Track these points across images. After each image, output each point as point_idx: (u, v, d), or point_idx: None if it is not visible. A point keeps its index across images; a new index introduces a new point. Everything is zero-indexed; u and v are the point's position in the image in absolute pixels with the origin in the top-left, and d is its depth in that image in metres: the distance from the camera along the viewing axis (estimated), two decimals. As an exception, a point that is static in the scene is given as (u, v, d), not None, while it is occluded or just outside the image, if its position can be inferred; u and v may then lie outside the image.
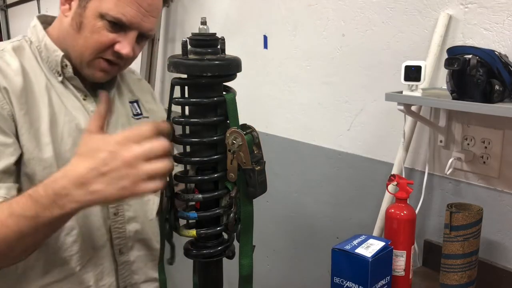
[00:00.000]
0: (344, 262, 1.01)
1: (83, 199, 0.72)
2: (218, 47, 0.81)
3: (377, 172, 1.49)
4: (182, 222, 0.87)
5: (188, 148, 0.84)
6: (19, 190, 0.93)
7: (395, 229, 1.14)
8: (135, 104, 1.16)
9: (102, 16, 0.95)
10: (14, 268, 0.98)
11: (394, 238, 1.12)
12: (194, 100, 0.82)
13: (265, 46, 1.81)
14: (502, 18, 1.16)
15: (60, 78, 1.02)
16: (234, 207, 0.82)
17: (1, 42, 1.04)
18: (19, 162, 0.95)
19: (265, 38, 1.80)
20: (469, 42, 1.23)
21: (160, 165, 0.71)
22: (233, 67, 0.80)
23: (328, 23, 1.57)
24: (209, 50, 0.79)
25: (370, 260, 0.98)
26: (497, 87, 1.04)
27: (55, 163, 0.96)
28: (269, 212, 1.88)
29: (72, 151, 0.99)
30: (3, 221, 0.77)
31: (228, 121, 0.81)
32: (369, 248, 1.02)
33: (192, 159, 0.83)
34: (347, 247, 1.02)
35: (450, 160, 1.26)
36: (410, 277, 1.16)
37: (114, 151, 0.71)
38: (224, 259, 0.88)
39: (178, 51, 0.81)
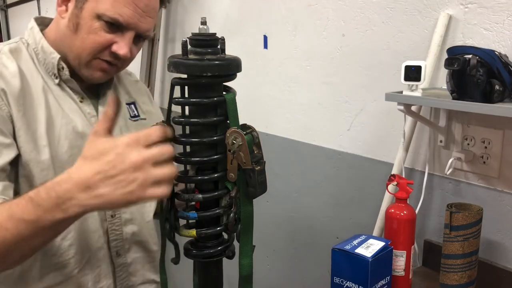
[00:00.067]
0: (344, 262, 1.01)
1: (87, 203, 0.70)
2: (218, 47, 0.81)
3: (377, 172, 1.49)
4: (182, 222, 0.87)
5: (188, 148, 0.84)
6: (17, 193, 0.93)
7: (395, 229, 1.14)
8: (132, 106, 1.16)
9: (99, 17, 0.95)
10: (11, 273, 0.97)
11: (394, 238, 1.12)
12: (194, 100, 0.82)
13: (265, 46, 1.81)
14: (502, 18, 1.16)
15: (57, 81, 1.01)
16: (234, 207, 0.82)
17: None
18: (16, 163, 0.94)
19: (265, 38, 1.80)
20: (469, 42, 1.23)
21: (167, 170, 0.70)
22: (233, 67, 0.80)
23: (328, 23, 1.57)
24: (209, 50, 0.79)
25: (370, 260, 0.98)
26: (497, 87, 1.04)
27: (52, 166, 0.96)
28: (269, 212, 1.88)
29: (68, 153, 0.99)
30: (2, 223, 0.75)
31: (228, 121, 0.81)
32: (369, 248, 1.02)
33: (192, 159, 0.83)
34: (347, 247, 1.02)
35: (450, 160, 1.26)
36: (410, 277, 1.16)
37: (122, 153, 0.69)
38: (224, 259, 0.88)
39: (178, 51, 0.81)
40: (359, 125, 1.54)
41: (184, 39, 0.79)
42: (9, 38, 4.07)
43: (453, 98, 1.10)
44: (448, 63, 1.07)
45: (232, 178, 0.81)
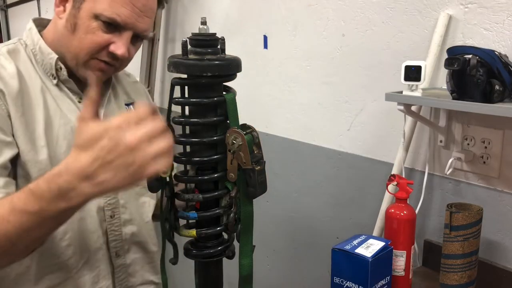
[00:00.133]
0: (344, 262, 1.01)
1: (90, 191, 0.69)
2: (218, 47, 0.81)
3: (377, 172, 1.49)
4: (182, 222, 0.87)
5: (188, 148, 0.84)
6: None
7: (395, 229, 1.14)
8: (131, 106, 1.16)
9: (96, 17, 0.95)
10: (6, 275, 0.97)
11: (394, 238, 1.12)
12: (194, 100, 0.82)
13: (265, 46, 1.81)
14: (502, 18, 1.16)
15: (55, 81, 1.01)
16: (234, 207, 0.82)
17: None
18: (15, 163, 0.94)
19: (265, 38, 1.80)
20: (469, 42, 1.23)
21: (163, 143, 0.68)
22: (233, 67, 0.80)
23: (328, 23, 1.57)
24: (209, 50, 0.79)
25: (370, 260, 0.98)
26: (497, 87, 1.04)
27: (50, 166, 0.96)
28: (269, 212, 1.88)
29: (67, 153, 0.97)
30: (5, 216, 0.74)
31: (228, 121, 0.81)
32: (369, 248, 1.02)
33: (192, 159, 0.83)
34: (347, 247, 1.02)
35: (450, 160, 1.26)
36: (410, 277, 1.16)
37: (115, 136, 0.67)
38: (224, 259, 0.88)
39: (178, 51, 0.81)
40: (359, 125, 1.54)
41: (184, 39, 0.79)
42: (9, 38, 4.07)
43: (453, 98, 1.10)
44: (448, 63, 1.07)
45: (232, 178, 0.81)
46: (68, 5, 0.98)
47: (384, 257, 1.04)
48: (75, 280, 1.03)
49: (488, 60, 1.05)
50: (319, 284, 1.74)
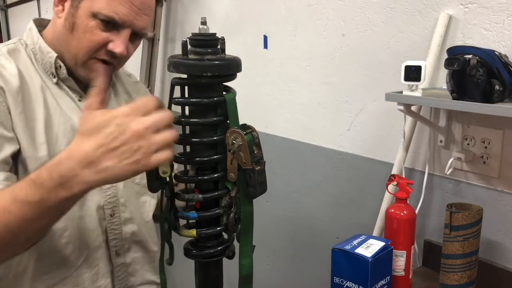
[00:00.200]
0: (344, 262, 1.01)
1: (92, 178, 0.69)
2: (218, 47, 0.80)
3: (377, 172, 1.49)
4: (182, 222, 0.87)
5: (188, 148, 0.84)
6: None
7: (395, 229, 1.14)
8: None
9: (94, 15, 0.95)
10: (5, 275, 0.97)
11: (394, 238, 1.12)
12: (194, 100, 0.81)
13: (265, 46, 1.81)
14: (502, 18, 1.16)
15: (55, 80, 1.02)
16: (234, 207, 0.82)
17: None
18: (16, 160, 0.95)
19: (265, 38, 1.80)
20: (469, 42, 1.23)
21: (169, 134, 0.69)
22: (233, 67, 0.80)
23: (328, 23, 1.57)
24: (209, 50, 0.79)
25: (370, 260, 0.98)
26: (497, 87, 1.04)
27: None
28: (269, 212, 1.88)
29: None
30: (6, 207, 0.74)
31: (228, 121, 0.81)
32: (369, 248, 1.02)
33: (192, 159, 0.83)
34: (347, 247, 1.02)
35: (450, 160, 1.26)
36: (410, 277, 1.16)
37: (123, 123, 0.67)
38: (224, 259, 0.88)
39: (178, 51, 0.81)
40: (359, 125, 1.54)
41: (184, 39, 0.79)
42: (9, 38, 4.07)
43: (453, 98, 1.10)
44: (448, 63, 1.08)
45: (232, 178, 0.80)
46: (67, 4, 0.99)
47: (384, 257, 1.04)
48: (74, 279, 1.03)
49: (488, 60, 1.05)
50: (319, 284, 1.74)
